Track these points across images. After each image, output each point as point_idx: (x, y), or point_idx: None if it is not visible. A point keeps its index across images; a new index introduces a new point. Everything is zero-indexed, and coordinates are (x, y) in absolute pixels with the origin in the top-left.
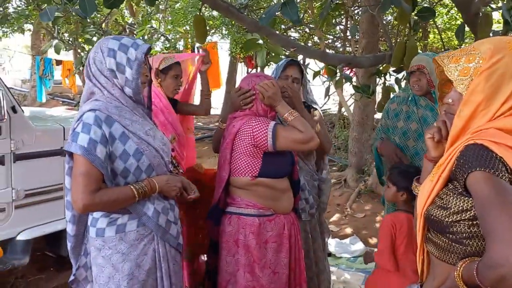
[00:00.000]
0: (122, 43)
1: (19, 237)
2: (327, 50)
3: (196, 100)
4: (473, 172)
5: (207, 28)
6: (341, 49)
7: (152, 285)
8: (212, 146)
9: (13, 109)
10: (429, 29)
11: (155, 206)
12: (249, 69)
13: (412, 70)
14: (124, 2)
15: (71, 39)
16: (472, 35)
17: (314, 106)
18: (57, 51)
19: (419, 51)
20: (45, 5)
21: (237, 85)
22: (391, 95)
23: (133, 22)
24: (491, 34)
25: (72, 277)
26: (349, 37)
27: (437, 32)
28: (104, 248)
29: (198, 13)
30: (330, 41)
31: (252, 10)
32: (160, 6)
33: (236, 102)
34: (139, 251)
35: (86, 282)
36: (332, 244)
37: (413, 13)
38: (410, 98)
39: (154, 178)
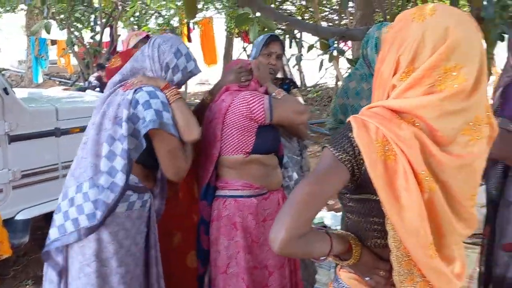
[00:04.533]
0: (189, 52)
1: (17, 217)
2: (324, 23)
3: None
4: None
5: (202, 2)
6: (337, 22)
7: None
8: None
9: (5, 91)
10: None
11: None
12: (245, 44)
13: None
14: None
15: (63, 18)
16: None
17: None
18: (48, 31)
19: None
20: None
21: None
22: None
23: None
24: (484, 2)
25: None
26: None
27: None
28: (112, 224)
29: None
30: (326, 13)
31: None
32: None
33: (230, 78)
34: (137, 229)
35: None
36: (327, 216)
37: None
38: (369, 75)
39: None
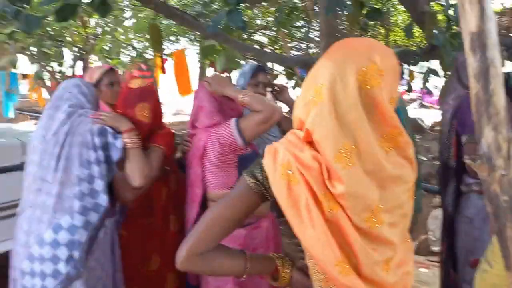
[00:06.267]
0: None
1: None
2: (295, 52)
3: None
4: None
5: (175, 35)
6: (305, 51)
7: None
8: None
9: None
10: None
11: None
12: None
13: None
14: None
15: (34, 53)
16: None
17: None
18: (13, 65)
19: None
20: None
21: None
22: None
23: (98, 32)
24: (435, 32)
25: None
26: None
27: (398, 30)
28: None
29: (151, 22)
30: (296, 43)
31: (209, 17)
32: (123, 16)
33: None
34: (104, 255)
35: None
36: None
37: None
38: None
39: None
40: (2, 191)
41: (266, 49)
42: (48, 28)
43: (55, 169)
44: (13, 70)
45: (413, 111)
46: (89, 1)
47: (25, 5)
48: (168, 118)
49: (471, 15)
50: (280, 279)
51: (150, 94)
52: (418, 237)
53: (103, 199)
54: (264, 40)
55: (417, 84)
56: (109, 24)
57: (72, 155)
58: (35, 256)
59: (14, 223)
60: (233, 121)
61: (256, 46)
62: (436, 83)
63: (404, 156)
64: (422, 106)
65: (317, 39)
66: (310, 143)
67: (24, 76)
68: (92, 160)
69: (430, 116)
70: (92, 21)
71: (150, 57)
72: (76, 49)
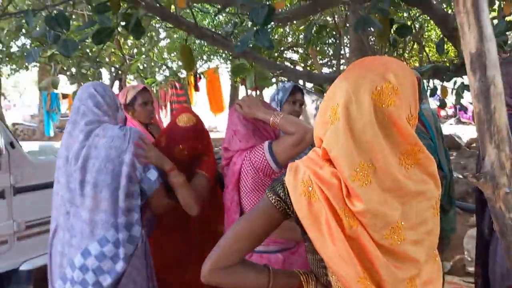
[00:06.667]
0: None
1: (22, 267)
2: (326, 69)
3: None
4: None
5: (207, 54)
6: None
7: None
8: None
9: (11, 145)
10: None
11: None
12: (250, 91)
13: None
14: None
15: (74, 73)
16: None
17: None
18: (55, 86)
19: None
20: (44, 42)
21: None
22: None
23: (134, 52)
24: None
25: None
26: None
27: (432, 46)
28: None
29: (184, 43)
30: (326, 60)
31: (239, 36)
32: (157, 37)
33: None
34: (142, 264)
35: None
36: None
37: (392, 31)
38: None
39: None
40: (42, 206)
41: (297, 66)
42: (86, 50)
43: (81, 195)
44: (54, 91)
45: (449, 128)
46: (124, 24)
47: (64, 31)
48: None
49: (470, 37)
50: None
51: (194, 133)
52: (453, 257)
53: (138, 231)
54: (296, 57)
55: (451, 100)
56: (144, 45)
57: (99, 183)
58: (67, 277)
59: None
60: (266, 144)
61: (287, 63)
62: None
63: (427, 173)
64: (459, 122)
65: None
66: (330, 160)
67: (64, 96)
68: (129, 192)
69: (467, 133)
70: (128, 42)
71: (184, 75)
72: (113, 69)
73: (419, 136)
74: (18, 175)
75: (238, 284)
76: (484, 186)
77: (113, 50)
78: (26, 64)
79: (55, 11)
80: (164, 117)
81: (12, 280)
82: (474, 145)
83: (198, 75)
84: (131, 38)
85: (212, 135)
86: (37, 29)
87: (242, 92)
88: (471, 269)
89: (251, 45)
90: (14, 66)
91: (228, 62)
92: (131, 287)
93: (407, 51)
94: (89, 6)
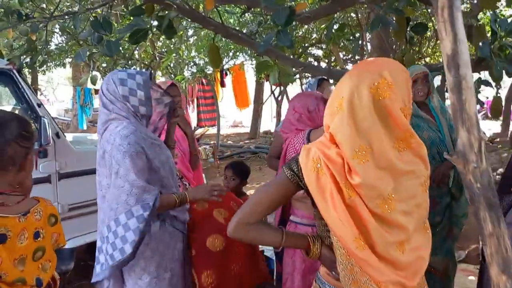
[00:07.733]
0: (129, 73)
1: (65, 246)
2: (350, 65)
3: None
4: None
5: (233, 51)
6: None
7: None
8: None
9: (57, 135)
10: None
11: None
12: (274, 87)
13: (417, 78)
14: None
15: (107, 70)
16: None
17: None
18: (93, 82)
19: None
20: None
21: (272, 102)
22: None
23: (164, 50)
24: (480, 44)
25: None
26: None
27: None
28: (152, 241)
29: (211, 42)
30: (349, 56)
31: (264, 34)
32: (186, 35)
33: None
34: (174, 242)
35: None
36: None
37: (408, 29)
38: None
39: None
40: (83, 191)
41: (321, 62)
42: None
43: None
44: (88, 86)
45: None
46: (157, 26)
47: (107, 33)
48: (225, 130)
49: (447, 41)
50: (311, 253)
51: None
52: (468, 246)
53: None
54: (320, 53)
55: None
56: (174, 44)
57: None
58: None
59: (92, 219)
60: (306, 131)
61: (311, 59)
62: (489, 94)
63: (418, 155)
64: (486, 117)
65: None
66: (336, 143)
67: (97, 91)
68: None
69: (494, 128)
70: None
71: (210, 72)
72: (144, 65)
73: (429, 129)
74: (62, 162)
75: (258, 239)
76: (457, 162)
77: (145, 47)
78: (65, 61)
79: (100, 16)
80: (192, 112)
81: (57, 257)
82: (497, 139)
83: (224, 72)
84: (163, 37)
85: (237, 130)
86: (73, 29)
87: (266, 87)
88: None
89: (274, 44)
90: (49, 63)
91: (253, 59)
92: (157, 261)
93: (430, 47)
94: (125, 9)
